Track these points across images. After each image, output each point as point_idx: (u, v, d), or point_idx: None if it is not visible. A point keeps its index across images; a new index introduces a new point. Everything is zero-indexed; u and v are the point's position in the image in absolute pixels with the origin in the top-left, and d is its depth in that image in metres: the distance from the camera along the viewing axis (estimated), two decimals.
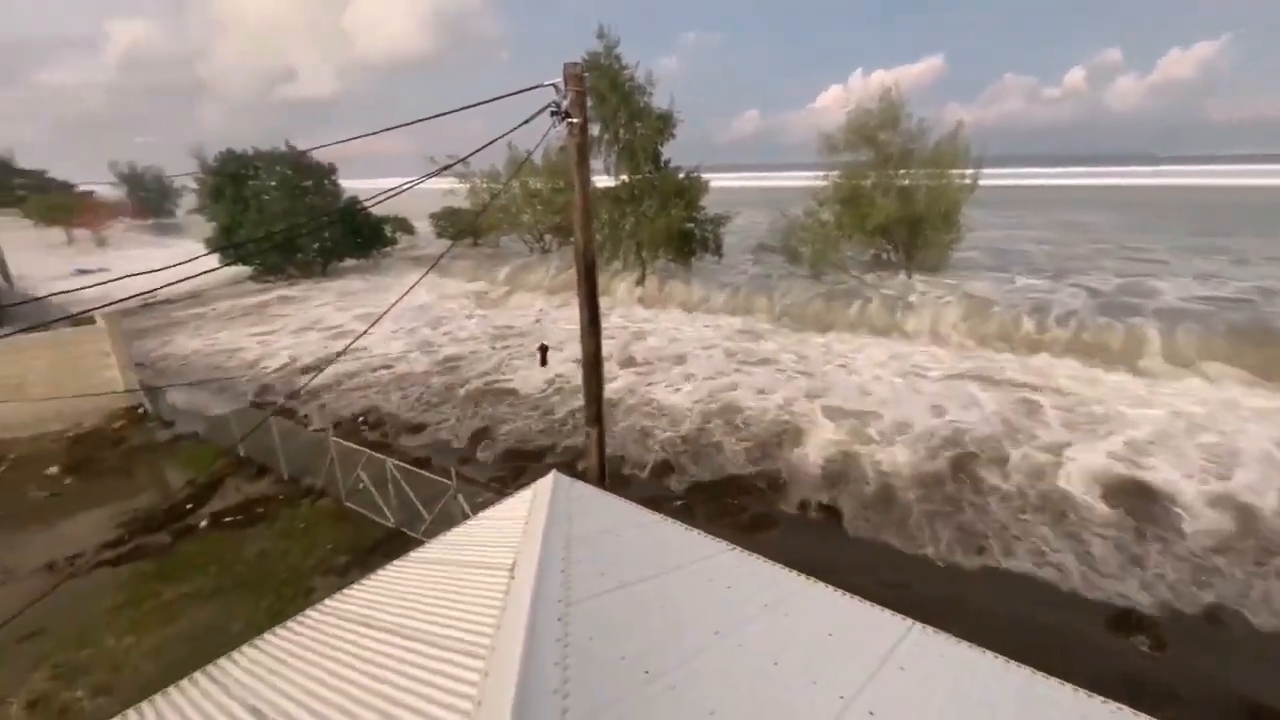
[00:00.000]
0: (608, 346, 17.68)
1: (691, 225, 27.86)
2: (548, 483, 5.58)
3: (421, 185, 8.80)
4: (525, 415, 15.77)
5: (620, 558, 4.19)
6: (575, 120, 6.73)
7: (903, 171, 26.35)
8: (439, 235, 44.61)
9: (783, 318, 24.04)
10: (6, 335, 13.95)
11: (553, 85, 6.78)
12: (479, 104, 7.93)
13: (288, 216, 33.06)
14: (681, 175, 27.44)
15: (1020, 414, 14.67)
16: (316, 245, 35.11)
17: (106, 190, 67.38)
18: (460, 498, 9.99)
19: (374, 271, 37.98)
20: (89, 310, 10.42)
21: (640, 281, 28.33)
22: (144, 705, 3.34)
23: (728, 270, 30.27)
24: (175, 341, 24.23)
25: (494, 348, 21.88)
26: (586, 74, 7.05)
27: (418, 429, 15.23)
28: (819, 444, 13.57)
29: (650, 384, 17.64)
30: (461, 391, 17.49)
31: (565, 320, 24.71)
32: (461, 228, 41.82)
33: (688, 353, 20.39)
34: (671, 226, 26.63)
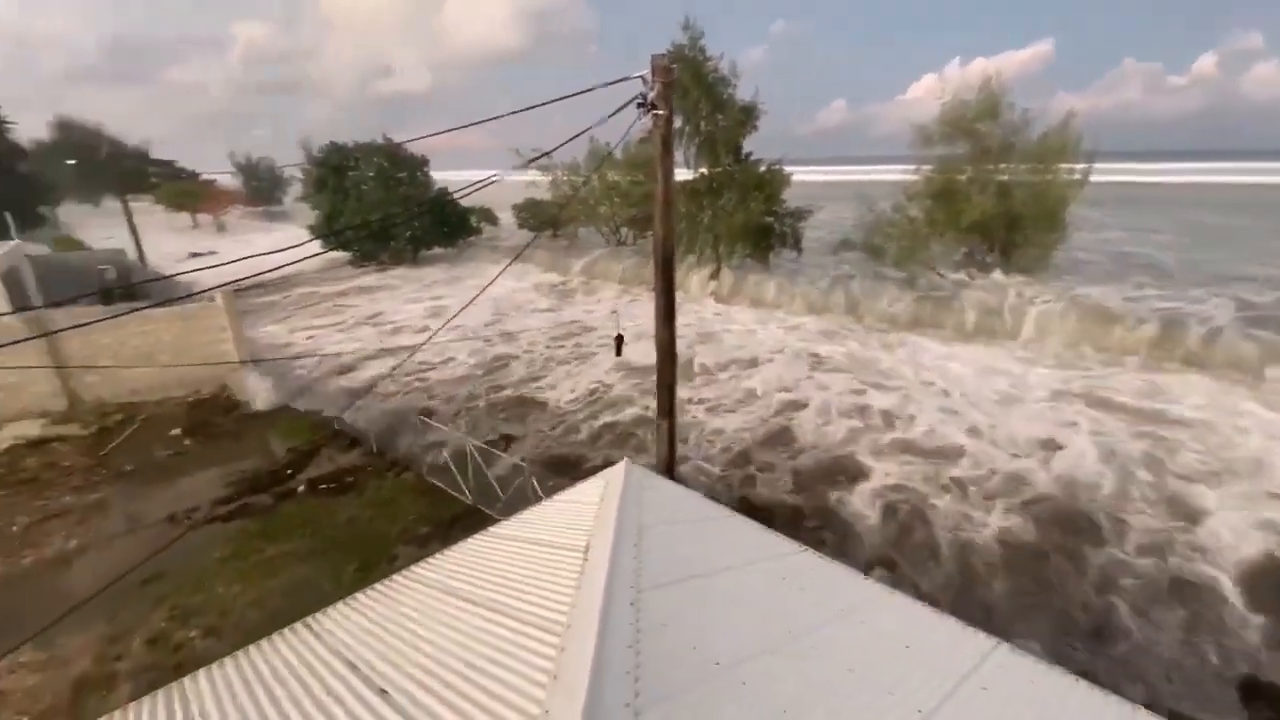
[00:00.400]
0: (681, 345, 17.53)
1: (771, 220, 27.34)
2: (619, 470, 5.66)
3: (506, 177, 9.10)
4: (543, 432, 14.33)
5: (691, 549, 4.20)
6: (661, 112, 6.75)
7: (1003, 166, 24.73)
8: (520, 226, 45.96)
9: (865, 318, 23.03)
10: (140, 309, 15.53)
11: (640, 78, 6.83)
12: (566, 97, 8.09)
13: (382, 206, 35.00)
14: (762, 168, 26.94)
15: (1149, 450, 12.25)
16: (408, 234, 36.96)
17: (226, 179, 73.61)
18: (534, 480, 10.32)
19: (458, 260, 39.56)
20: (207, 290, 11.45)
21: (714, 276, 28.09)
22: (251, 648, 3.66)
23: (807, 267, 29.44)
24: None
25: (548, 346, 21.06)
26: (673, 65, 7.05)
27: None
28: (881, 484, 11.53)
29: (705, 399, 15.96)
30: (484, 402, 15.99)
31: (638, 313, 24.64)
32: (542, 219, 42.88)
33: (758, 356, 19.12)
34: (750, 221, 26.22)
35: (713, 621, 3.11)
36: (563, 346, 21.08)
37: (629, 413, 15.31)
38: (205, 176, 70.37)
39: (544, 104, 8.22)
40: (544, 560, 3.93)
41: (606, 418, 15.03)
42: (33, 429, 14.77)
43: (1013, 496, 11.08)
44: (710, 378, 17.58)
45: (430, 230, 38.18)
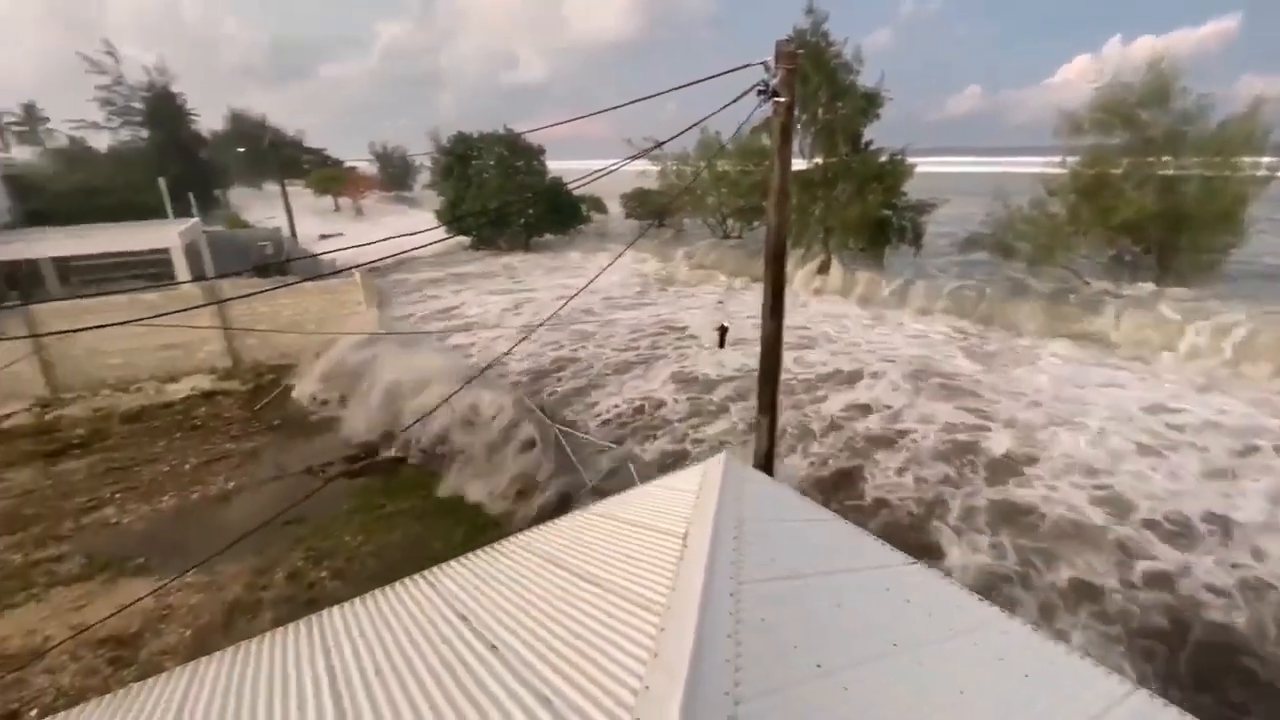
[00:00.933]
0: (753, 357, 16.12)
1: (889, 213, 25.89)
2: (719, 462, 5.62)
3: (620, 168, 9.24)
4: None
5: (792, 548, 4.11)
6: (783, 99, 6.56)
7: (1166, 159, 21.82)
8: (627, 216, 46.62)
9: (990, 324, 21.08)
10: (292, 283, 17.41)
11: (762, 64, 6.67)
12: (686, 85, 8.06)
13: (500, 193, 36.80)
14: (883, 158, 25.55)
15: None
16: (522, 220, 38.65)
17: (364, 166, 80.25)
18: (631, 466, 10.55)
19: (566, 247, 40.81)
20: (346, 269, 12.56)
21: (822, 270, 27.08)
22: (377, 593, 4.02)
23: (927, 265, 27.66)
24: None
25: (619, 348, 19.24)
26: (799, 50, 6.83)
27: None
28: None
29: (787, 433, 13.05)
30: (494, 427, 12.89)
31: (734, 309, 24.04)
32: (649, 209, 43.26)
33: (861, 367, 16.76)
34: (867, 213, 24.94)
35: (814, 623, 3.03)
36: (635, 348, 19.50)
37: (660, 445, 12.88)
38: (348, 164, 77.17)
39: (662, 93, 8.27)
40: (642, 541, 4.00)
41: (634, 446, 12.74)
42: (204, 383, 16.98)
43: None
44: (789, 394, 14.77)
45: (543, 217, 39.66)
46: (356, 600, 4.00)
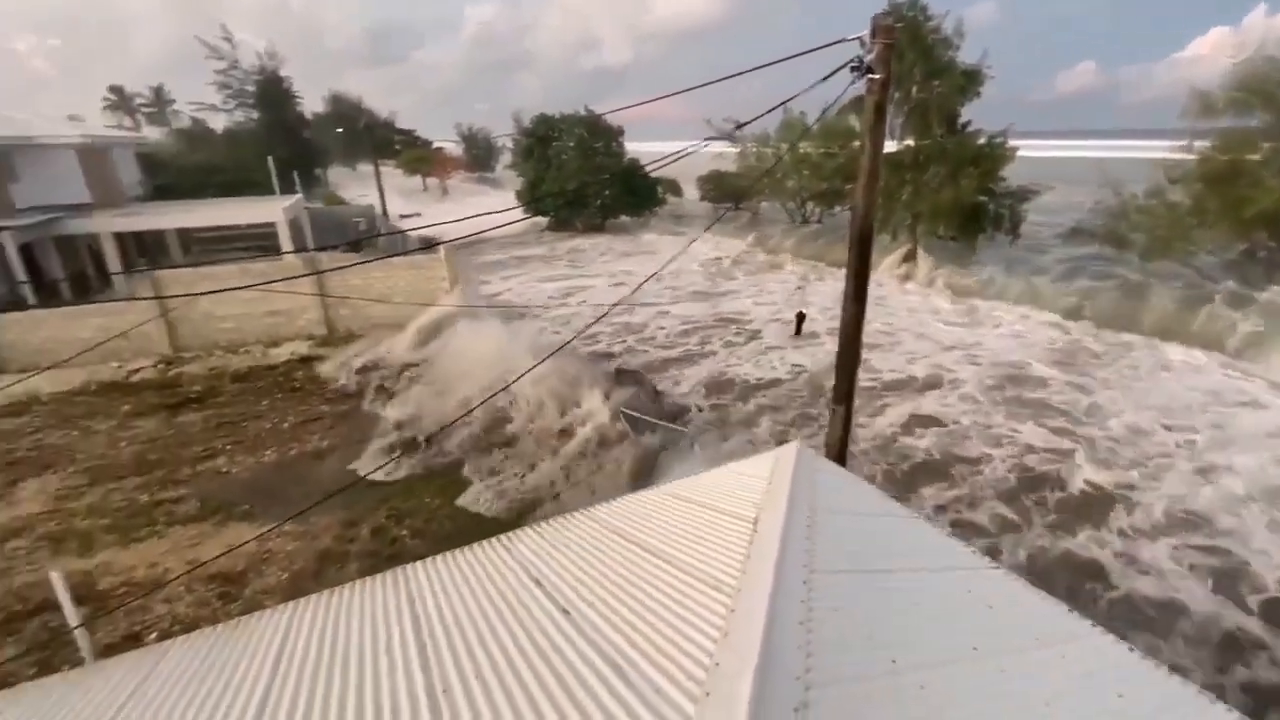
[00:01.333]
0: (824, 353, 15.26)
1: (985, 199, 24.29)
2: (791, 450, 5.52)
3: (700, 149, 9.13)
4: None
5: (866, 542, 4.00)
6: (878, 76, 6.25)
7: None
8: (702, 199, 46.06)
9: (1101, 325, 19.18)
10: (383, 258, 18.37)
11: (857, 39, 6.38)
12: (774, 63, 7.85)
13: (579, 175, 37.23)
14: (981, 141, 23.95)
15: None
16: (599, 202, 38.99)
17: (451, 148, 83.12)
18: (696, 447, 10.54)
19: (640, 229, 40.85)
20: (433, 245, 13.07)
21: (909, 258, 25.83)
22: (455, 552, 4.23)
23: (1026, 256, 25.85)
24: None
25: (666, 343, 18.04)
26: (898, 24, 6.47)
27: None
28: None
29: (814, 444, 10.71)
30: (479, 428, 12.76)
31: (813, 297, 23.16)
32: (725, 192, 42.57)
33: (939, 371, 14.90)
34: (961, 199, 23.45)
35: (889, 619, 2.95)
36: (682, 344, 18.30)
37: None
38: (435, 145, 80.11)
39: (746, 71, 8.05)
40: (710, 523, 3.99)
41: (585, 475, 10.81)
42: (303, 348, 18.24)
43: None
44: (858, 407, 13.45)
45: (619, 199, 39.85)
46: (438, 558, 4.23)
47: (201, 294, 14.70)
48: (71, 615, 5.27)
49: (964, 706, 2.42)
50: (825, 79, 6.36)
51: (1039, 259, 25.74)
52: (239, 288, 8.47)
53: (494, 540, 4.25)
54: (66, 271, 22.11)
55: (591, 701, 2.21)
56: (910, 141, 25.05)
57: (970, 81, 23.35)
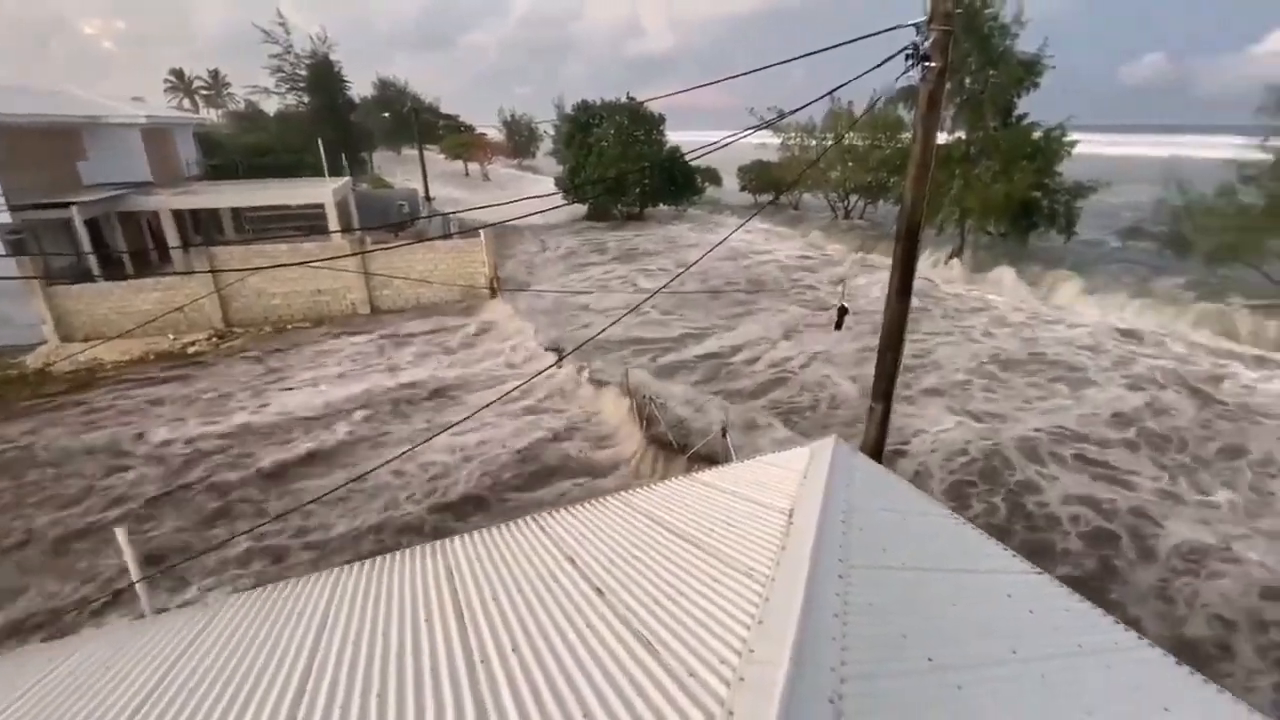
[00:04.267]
0: (825, 370, 14.62)
1: (1039, 195, 23.36)
2: (827, 445, 5.45)
3: (741, 139, 9.01)
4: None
5: (903, 538, 3.94)
6: (934, 64, 6.06)
7: None
8: (742, 189, 45.42)
9: (1194, 327, 18.12)
10: (427, 240, 18.73)
11: (913, 25, 6.18)
12: (824, 50, 7.65)
13: (619, 162, 37.09)
14: (1037, 134, 23.01)
15: None
16: (638, 190, 38.84)
17: (493, 133, 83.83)
18: (728, 438, 10.50)
19: (678, 220, 40.50)
20: (473, 229, 13.27)
21: (956, 255, 25.08)
22: (492, 529, 4.33)
23: (1080, 256, 24.84)
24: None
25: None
26: (958, 10, 6.25)
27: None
28: None
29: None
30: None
31: (855, 297, 22.26)
32: (766, 183, 41.92)
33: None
34: (1014, 194, 22.55)
35: (926, 617, 2.91)
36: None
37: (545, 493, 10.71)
38: (478, 130, 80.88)
39: (792, 59, 7.88)
40: (745, 513, 3.99)
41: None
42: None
43: None
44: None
45: (659, 188, 39.61)
46: (475, 533, 4.34)
47: (250, 270, 15.26)
48: (135, 570, 5.59)
49: (1003, 711, 2.37)
50: (879, 66, 6.19)
51: (1095, 258, 24.69)
52: (294, 264, 8.78)
53: (529, 519, 4.33)
54: (128, 246, 23.18)
55: (625, 679, 2.25)
56: (961, 134, 24.21)
57: (1028, 72, 22.37)
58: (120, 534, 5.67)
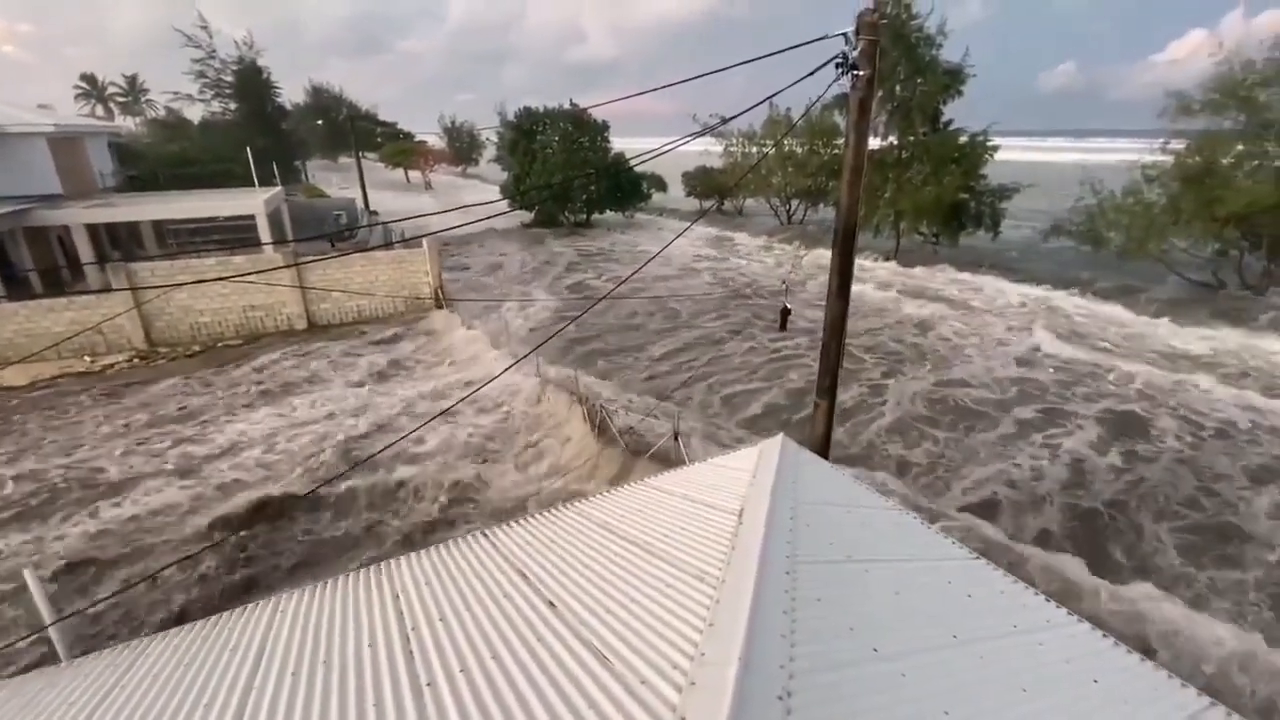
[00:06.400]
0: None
1: (966, 197, 24.61)
2: (775, 444, 5.56)
3: (682, 145, 9.13)
4: None
5: (848, 532, 4.04)
6: (863, 73, 6.30)
7: None
8: (688, 195, 46.05)
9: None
10: (367, 250, 18.15)
11: (841, 35, 6.41)
12: (759, 58, 7.86)
13: (564, 169, 36.98)
14: (962, 139, 24.24)
15: None
16: (584, 197, 38.79)
17: (434, 141, 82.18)
18: (680, 441, 10.57)
19: (625, 228, 40.63)
20: (415, 238, 12.96)
21: (890, 257, 26.10)
22: (440, 547, 4.21)
23: (1006, 254, 26.24)
24: None
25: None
26: (884, 21, 6.52)
27: None
28: None
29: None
30: None
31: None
32: (711, 188, 42.59)
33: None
34: (943, 197, 23.74)
35: (871, 608, 2.99)
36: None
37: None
38: (418, 138, 79.13)
39: (730, 67, 8.05)
40: (696, 516, 4.02)
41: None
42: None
43: None
44: None
45: (605, 195, 39.68)
46: (422, 551, 4.20)
47: (172, 286, 14.44)
48: (47, 613, 5.16)
49: (944, 694, 2.46)
50: (810, 75, 6.39)
51: (1014, 255, 26.13)
52: (221, 279, 8.25)
53: (479, 534, 4.24)
54: (37, 264, 21.55)
55: (577, 692, 2.22)
56: (893, 139, 25.27)
57: (953, 80, 23.62)
58: (29, 575, 5.24)
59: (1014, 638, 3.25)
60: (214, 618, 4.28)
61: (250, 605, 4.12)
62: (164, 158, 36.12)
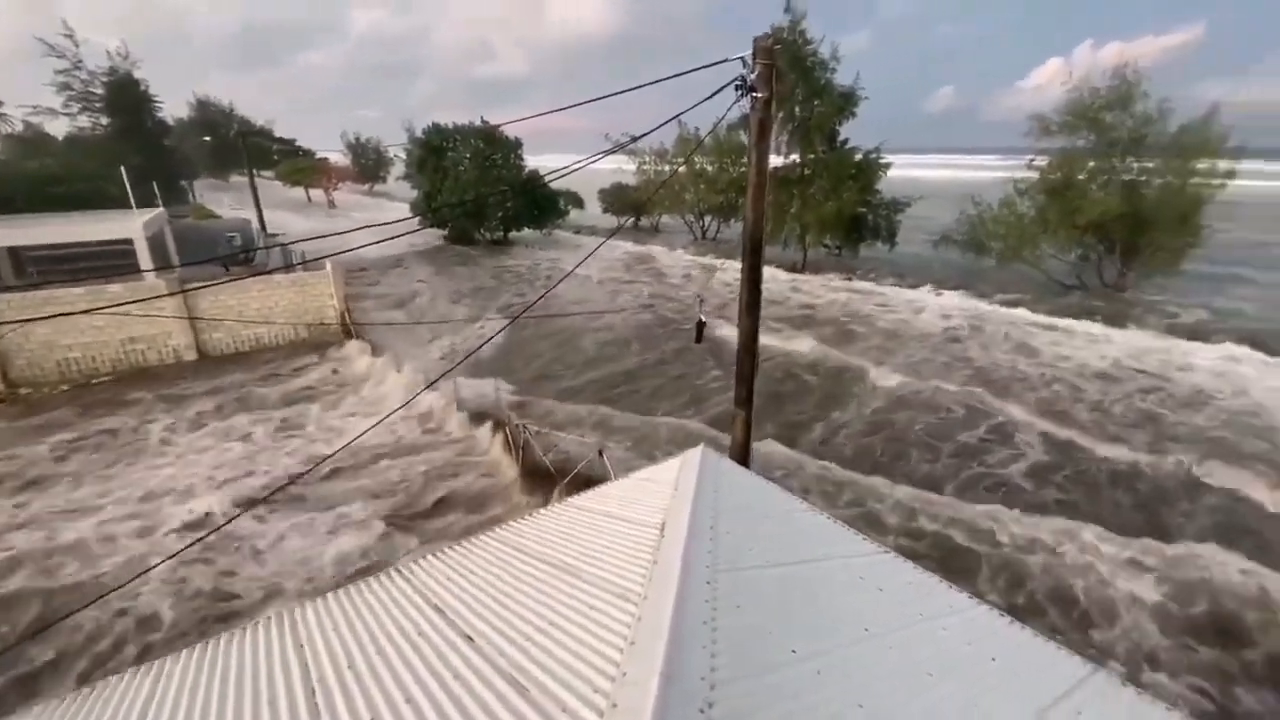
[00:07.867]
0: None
1: (864, 210, 26.31)
2: (696, 454, 5.65)
3: (594, 162, 9.22)
4: None
5: (766, 537, 4.15)
6: (760, 95, 6.60)
7: (1130, 160, 22.54)
8: (604, 211, 46.40)
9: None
10: (264, 274, 17.01)
11: (740, 59, 6.71)
12: (663, 80, 8.08)
13: (477, 187, 36.30)
14: (858, 156, 25.91)
15: None
16: (500, 214, 38.21)
17: (337, 158, 78.65)
18: (605, 458, 10.53)
19: (544, 245, 40.32)
20: (317, 259, 12.27)
21: (799, 269, 27.38)
22: (350, 587, 3.96)
23: (902, 263, 28.12)
24: None
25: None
26: (777, 46, 6.87)
27: None
28: None
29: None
30: None
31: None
32: (627, 205, 43.14)
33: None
34: (843, 210, 25.32)
35: (789, 610, 3.08)
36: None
37: None
38: (320, 155, 75.43)
39: (638, 87, 8.24)
40: (619, 533, 4.01)
41: None
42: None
43: None
44: None
45: (521, 212, 39.27)
46: (329, 595, 3.94)
47: (24, 321, 12.92)
48: None
49: (857, 688, 2.56)
50: (710, 97, 6.63)
51: (907, 262, 28.12)
52: (88, 310, 7.27)
53: (392, 571, 4.03)
54: None
55: None
56: (795, 157, 26.64)
57: (847, 102, 25.26)
58: None
59: (920, 625, 3.43)
60: (83, 690, 3.82)
61: (129, 672, 3.71)
62: (23, 177, 32.47)
